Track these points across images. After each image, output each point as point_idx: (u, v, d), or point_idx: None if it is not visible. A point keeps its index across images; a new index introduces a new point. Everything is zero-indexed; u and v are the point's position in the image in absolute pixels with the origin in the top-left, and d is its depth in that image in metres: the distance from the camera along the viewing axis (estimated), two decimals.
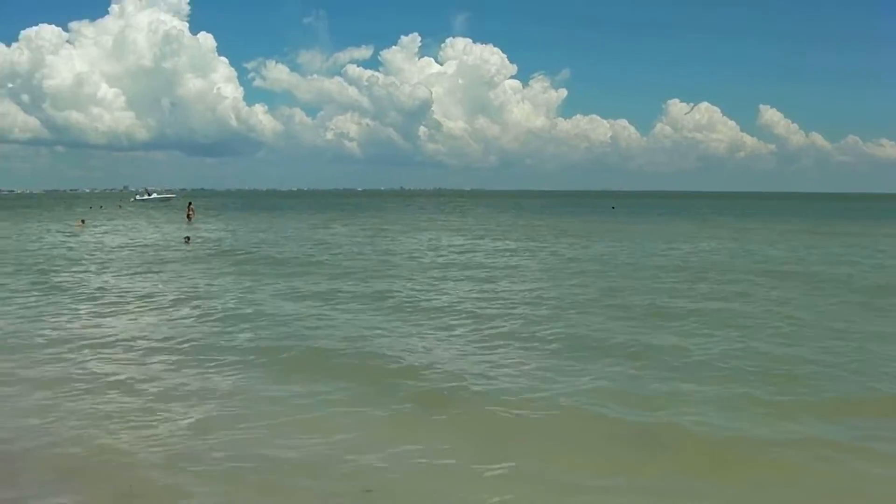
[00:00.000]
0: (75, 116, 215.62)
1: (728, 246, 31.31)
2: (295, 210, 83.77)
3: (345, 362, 10.56)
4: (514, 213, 74.61)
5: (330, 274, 21.16)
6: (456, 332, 12.79)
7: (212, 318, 14.12)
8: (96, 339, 12.17)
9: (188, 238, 32.46)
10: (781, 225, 49.54)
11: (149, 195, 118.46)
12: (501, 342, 11.90)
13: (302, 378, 9.71)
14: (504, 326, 13.17)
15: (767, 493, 6.26)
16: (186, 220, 54.44)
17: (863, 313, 14.46)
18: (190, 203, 60.79)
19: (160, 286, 18.66)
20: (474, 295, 17.17)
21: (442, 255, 27.43)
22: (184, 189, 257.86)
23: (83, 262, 24.97)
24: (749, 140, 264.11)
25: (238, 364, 10.49)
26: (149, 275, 21.27)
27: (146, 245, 31.71)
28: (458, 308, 15.19)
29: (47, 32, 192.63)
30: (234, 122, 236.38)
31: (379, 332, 12.81)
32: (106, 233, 41.28)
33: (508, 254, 28.26)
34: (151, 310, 15.22)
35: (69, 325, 13.50)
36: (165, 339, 12.14)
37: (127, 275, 21.21)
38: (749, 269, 21.98)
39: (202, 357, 10.90)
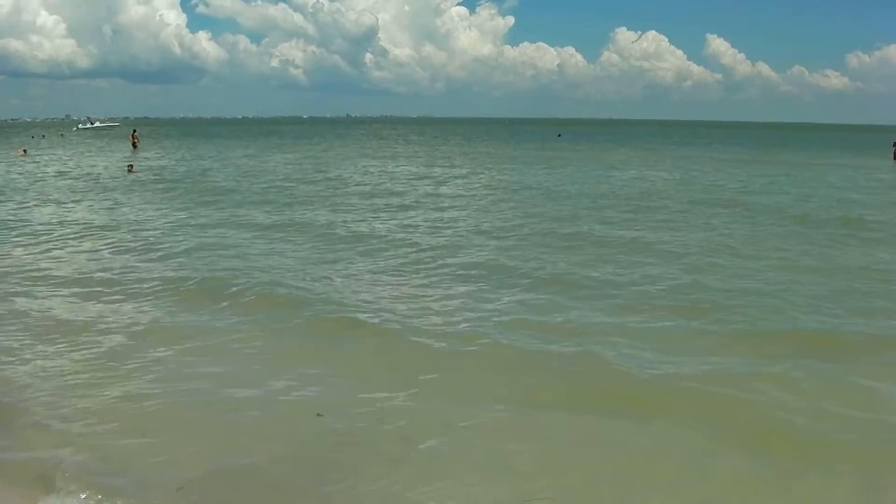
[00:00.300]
0: (14, 44, 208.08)
1: (669, 175, 32.07)
2: (238, 138, 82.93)
3: (261, 292, 10.53)
4: (458, 141, 75.09)
5: (253, 202, 21.61)
6: (377, 262, 12.87)
7: (133, 248, 14.31)
8: (8, 270, 12.25)
9: (131, 166, 32.55)
10: (723, 154, 50.89)
11: (91, 124, 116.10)
12: (422, 270, 12.15)
13: (211, 307, 9.84)
14: (426, 255, 13.36)
15: (687, 428, 6.19)
16: (132, 147, 54.03)
17: (799, 245, 14.42)
18: (134, 131, 60.05)
19: (90, 216, 18.94)
20: (398, 223, 17.57)
21: (373, 183, 28.01)
22: (127, 118, 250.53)
23: (24, 191, 25.22)
24: (696, 69, 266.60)
25: (150, 294, 10.53)
26: (84, 202, 21.74)
27: (88, 174, 31.80)
28: (382, 238, 15.36)
29: None
30: (177, 50, 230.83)
31: (296, 261, 13.07)
32: (48, 163, 40.84)
33: (441, 180, 28.95)
34: (71, 240, 15.40)
35: None
36: (79, 270, 12.24)
37: (64, 204, 21.47)
38: (688, 199, 22.24)
39: (116, 288, 10.89)
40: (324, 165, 38.35)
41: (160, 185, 26.72)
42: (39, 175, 32.08)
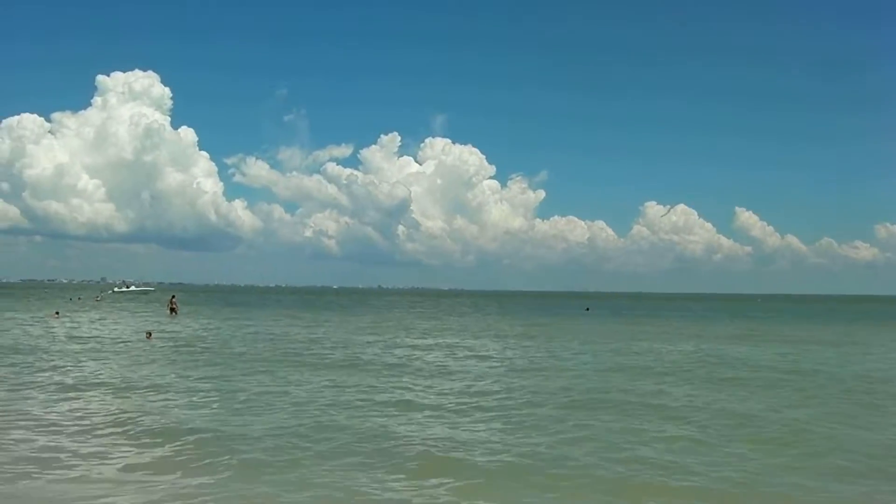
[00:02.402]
0: (55, 207, 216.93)
1: (690, 348, 31.73)
2: (269, 307, 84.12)
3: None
4: (484, 313, 75.24)
5: (266, 367, 21.58)
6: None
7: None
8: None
9: (150, 333, 32.77)
10: (736, 328, 50.35)
11: (127, 287, 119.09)
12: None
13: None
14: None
15: None
16: (169, 313, 55.25)
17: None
18: (173, 297, 61.41)
19: (78, 378, 19.55)
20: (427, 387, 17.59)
21: (394, 354, 27.95)
22: (161, 282, 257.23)
23: (36, 352, 25.54)
24: (725, 242, 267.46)
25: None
26: (85, 366, 22.16)
27: (109, 339, 32.16)
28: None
29: (29, 122, 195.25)
30: (213, 217, 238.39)
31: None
32: (77, 325, 41.61)
33: (466, 352, 28.79)
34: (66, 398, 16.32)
35: None
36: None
37: (61, 368, 21.68)
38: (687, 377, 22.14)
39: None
40: (348, 332, 38.40)
41: (171, 352, 26.73)
42: (61, 337, 32.43)
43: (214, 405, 15.69)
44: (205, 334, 36.05)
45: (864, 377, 21.95)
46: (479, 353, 28.32)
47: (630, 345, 33.17)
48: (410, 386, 19.01)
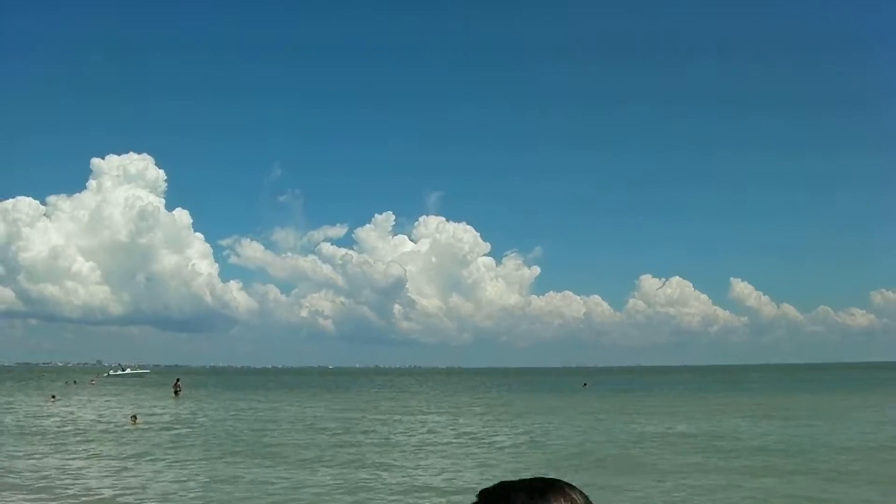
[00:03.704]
0: (50, 289, 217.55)
1: (675, 426, 31.64)
2: (265, 389, 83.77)
3: None
4: (479, 392, 74.88)
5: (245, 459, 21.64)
6: None
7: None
8: None
9: (135, 417, 32.84)
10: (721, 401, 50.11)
11: (122, 370, 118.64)
12: None
13: None
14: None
15: None
16: (174, 395, 57.05)
17: None
18: (178, 380, 63.54)
19: (46, 464, 19.85)
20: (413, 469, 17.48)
21: (389, 435, 27.94)
22: (157, 364, 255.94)
23: (20, 437, 25.75)
24: (721, 313, 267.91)
25: None
26: (59, 452, 22.46)
27: (94, 421, 32.37)
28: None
29: (24, 205, 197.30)
30: (208, 299, 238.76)
31: None
32: (69, 409, 41.77)
33: (450, 433, 28.89)
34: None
35: None
36: None
37: (33, 456, 21.85)
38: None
39: None
40: (330, 416, 38.38)
41: (152, 437, 26.88)
42: (49, 423, 32.43)
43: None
44: (197, 419, 36.06)
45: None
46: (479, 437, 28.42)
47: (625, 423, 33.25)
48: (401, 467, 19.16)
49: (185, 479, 17.60)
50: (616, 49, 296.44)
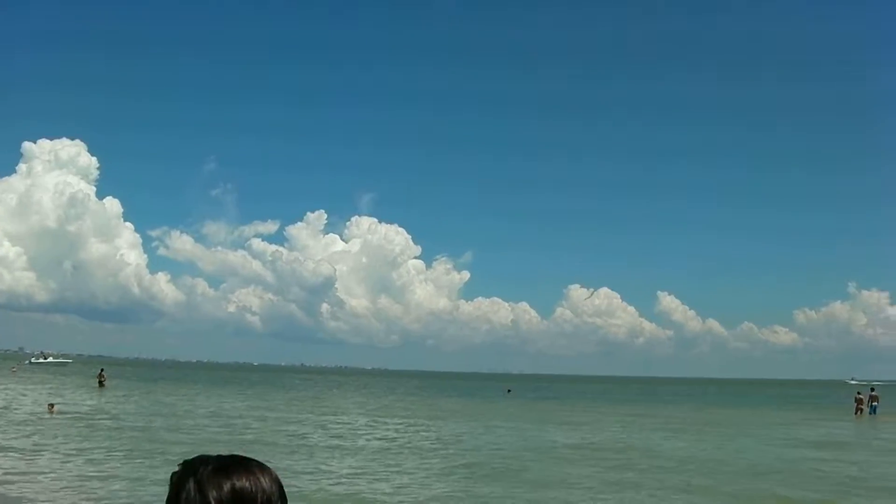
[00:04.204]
0: None
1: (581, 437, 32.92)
2: (186, 383, 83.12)
3: None
4: (401, 394, 75.62)
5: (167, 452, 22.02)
6: None
7: None
8: None
9: (52, 405, 32.69)
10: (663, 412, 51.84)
11: (44, 359, 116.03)
12: None
13: None
14: None
15: None
16: (98, 385, 56.76)
17: None
18: (102, 370, 62.90)
19: None
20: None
21: (296, 433, 28.43)
22: (81, 354, 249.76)
23: None
24: (648, 325, 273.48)
25: None
26: None
27: (7, 409, 32.10)
28: None
29: None
30: (136, 290, 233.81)
31: None
32: None
33: (362, 432, 29.54)
34: None
35: None
36: None
37: None
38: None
39: None
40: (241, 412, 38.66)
41: (67, 425, 26.89)
42: None
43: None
44: (115, 411, 35.96)
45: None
46: (379, 434, 29.14)
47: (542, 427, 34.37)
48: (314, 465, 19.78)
49: (84, 471, 17.79)
50: (551, 54, 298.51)
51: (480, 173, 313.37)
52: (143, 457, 19.94)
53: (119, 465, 18.62)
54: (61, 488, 15.33)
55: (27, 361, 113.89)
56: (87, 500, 14.25)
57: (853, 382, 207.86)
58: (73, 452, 20.46)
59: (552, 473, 19.85)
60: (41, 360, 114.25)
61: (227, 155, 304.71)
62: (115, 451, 20.78)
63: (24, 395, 42.69)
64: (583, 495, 16.81)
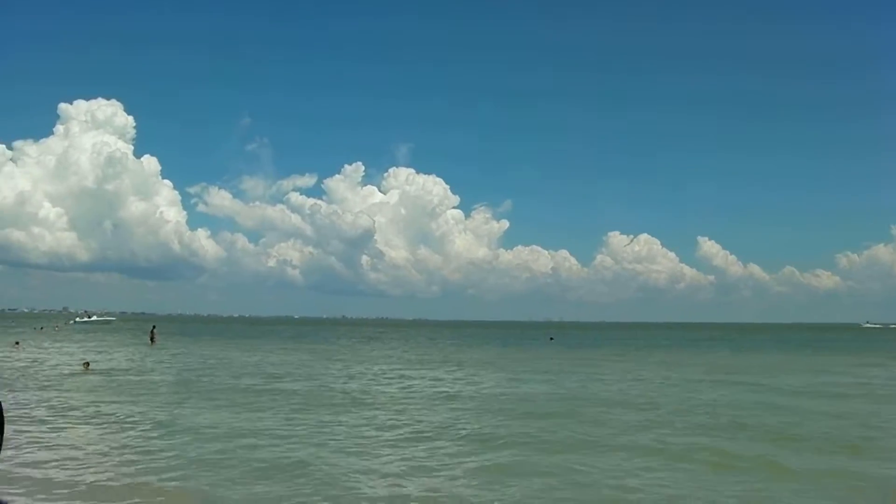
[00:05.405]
0: (16, 235, 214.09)
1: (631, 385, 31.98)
2: (231, 338, 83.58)
3: None
4: (443, 344, 75.25)
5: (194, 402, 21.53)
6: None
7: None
8: None
9: (87, 363, 32.49)
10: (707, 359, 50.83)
11: (88, 318, 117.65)
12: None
13: None
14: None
15: None
16: (149, 342, 57.27)
17: None
18: (153, 327, 63.97)
19: None
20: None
21: (352, 383, 28.01)
22: (123, 312, 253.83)
23: None
24: (688, 271, 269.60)
25: None
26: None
27: (51, 365, 32.06)
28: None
29: None
30: (176, 247, 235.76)
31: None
32: (31, 355, 41.29)
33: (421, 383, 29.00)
34: None
35: None
36: None
37: None
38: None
39: None
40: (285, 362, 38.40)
41: (99, 383, 26.53)
42: (12, 368, 31.92)
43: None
44: (163, 366, 35.82)
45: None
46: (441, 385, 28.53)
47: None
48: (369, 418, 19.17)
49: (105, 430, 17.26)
50: (591, 5, 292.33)
51: (518, 122, 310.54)
52: (177, 408, 19.49)
53: (147, 418, 18.11)
54: (86, 446, 14.72)
55: (72, 321, 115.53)
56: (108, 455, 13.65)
57: (867, 326, 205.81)
58: (94, 412, 19.81)
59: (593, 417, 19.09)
60: (86, 319, 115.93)
61: (262, 110, 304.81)
62: (145, 405, 20.37)
63: (70, 355, 42.70)
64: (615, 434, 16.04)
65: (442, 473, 12.27)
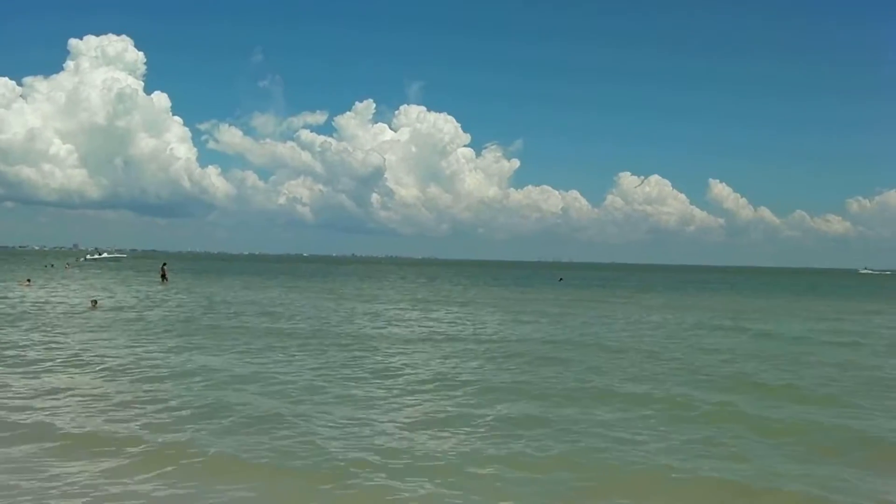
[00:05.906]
0: (27, 172, 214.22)
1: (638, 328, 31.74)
2: (242, 275, 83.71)
3: None
4: (453, 283, 75.21)
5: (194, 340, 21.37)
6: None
7: None
8: None
9: (95, 301, 32.37)
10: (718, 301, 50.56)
11: (99, 255, 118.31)
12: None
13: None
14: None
15: None
16: (161, 280, 56.59)
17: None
18: (164, 264, 62.86)
19: None
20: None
21: (353, 324, 27.85)
22: (134, 249, 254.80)
23: None
24: (699, 213, 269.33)
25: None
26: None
27: (56, 304, 31.99)
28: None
29: (0, 86, 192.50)
30: (186, 184, 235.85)
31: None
32: (42, 293, 41.21)
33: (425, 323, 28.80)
34: None
35: None
36: None
37: None
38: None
39: None
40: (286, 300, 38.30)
41: (104, 322, 26.39)
42: (20, 306, 31.86)
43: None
44: (173, 303, 35.74)
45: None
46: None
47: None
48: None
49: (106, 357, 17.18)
50: None
51: (530, 60, 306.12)
52: (181, 351, 19.29)
53: (150, 358, 17.91)
54: (75, 388, 14.56)
55: (82, 258, 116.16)
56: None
57: (864, 272, 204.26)
58: (94, 354, 19.72)
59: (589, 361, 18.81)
60: (96, 257, 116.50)
61: (273, 45, 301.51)
62: (150, 343, 20.24)
63: (81, 293, 42.71)
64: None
65: (446, 427, 11.99)
